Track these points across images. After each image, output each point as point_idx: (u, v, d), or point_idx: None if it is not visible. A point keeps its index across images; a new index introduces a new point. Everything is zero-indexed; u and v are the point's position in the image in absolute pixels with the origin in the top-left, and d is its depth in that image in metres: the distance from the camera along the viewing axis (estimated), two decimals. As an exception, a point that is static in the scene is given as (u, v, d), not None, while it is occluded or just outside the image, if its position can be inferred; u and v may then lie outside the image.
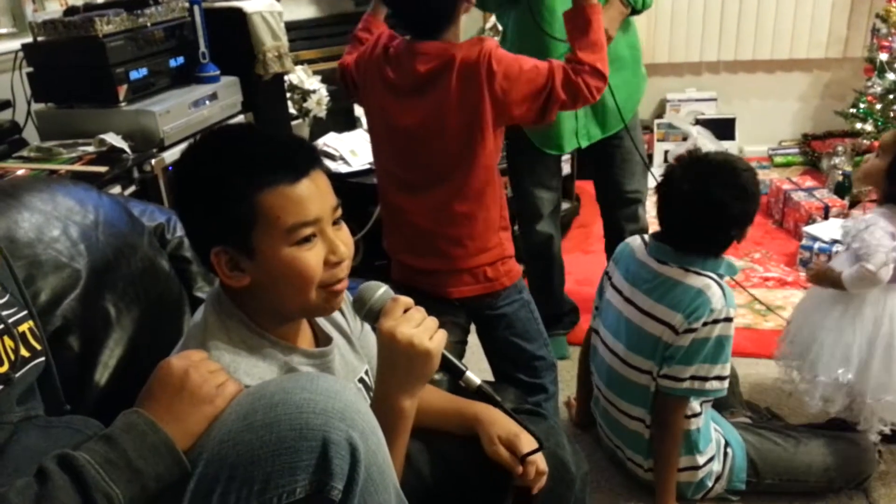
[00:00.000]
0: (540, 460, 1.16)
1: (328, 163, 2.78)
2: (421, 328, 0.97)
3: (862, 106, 3.50)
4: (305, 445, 0.78)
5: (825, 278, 1.81)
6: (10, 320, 0.96)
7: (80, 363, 1.17)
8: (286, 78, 2.64)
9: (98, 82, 1.92)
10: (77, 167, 1.74)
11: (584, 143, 2.23)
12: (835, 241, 2.82)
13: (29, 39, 1.98)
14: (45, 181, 1.40)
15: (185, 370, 0.86)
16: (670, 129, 3.90)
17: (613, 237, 2.31)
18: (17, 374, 0.93)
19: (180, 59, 2.16)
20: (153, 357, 0.92)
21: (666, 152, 3.92)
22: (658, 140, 3.93)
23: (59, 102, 2.03)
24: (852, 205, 3.18)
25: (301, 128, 2.91)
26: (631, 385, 1.74)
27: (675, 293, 1.63)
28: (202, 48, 2.17)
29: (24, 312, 1.00)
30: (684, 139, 3.72)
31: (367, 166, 2.77)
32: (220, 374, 0.88)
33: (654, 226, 1.77)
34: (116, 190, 1.72)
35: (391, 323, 0.96)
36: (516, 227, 2.34)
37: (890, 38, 3.39)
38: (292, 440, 0.78)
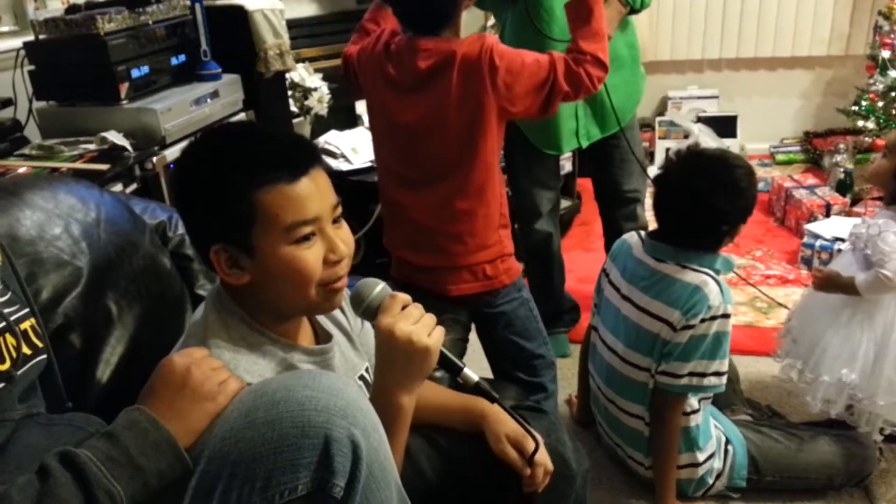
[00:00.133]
0: (547, 461, 1.16)
1: (329, 161, 2.78)
2: (419, 325, 0.97)
3: (864, 103, 3.49)
4: (307, 443, 0.78)
5: (833, 284, 1.80)
6: (12, 318, 0.96)
7: (82, 361, 1.17)
8: (287, 76, 2.64)
9: (100, 80, 1.92)
10: (78, 165, 1.74)
11: (585, 144, 2.23)
12: (836, 239, 2.82)
13: (30, 37, 1.98)
14: (47, 179, 1.40)
15: (187, 367, 0.86)
16: (672, 126, 3.90)
17: (612, 236, 2.30)
18: (19, 372, 0.94)
19: (182, 57, 2.16)
20: (155, 355, 0.93)
21: (667, 150, 3.91)
22: (660, 138, 3.93)
23: (60, 100, 2.03)
24: (854, 202, 3.18)
25: (302, 126, 2.91)
26: (630, 382, 1.74)
27: (672, 290, 1.63)
28: (203, 46, 2.18)
29: (26, 310, 1.00)
30: (686, 137, 3.71)
31: (369, 164, 2.77)
32: (222, 372, 0.89)
33: (652, 224, 1.77)
34: (118, 188, 1.72)
35: (389, 320, 0.97)
36: (516, 226, 2.34)
37: (892, 36, 3.39)
38: (294, 437, 0.78)
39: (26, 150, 1.85)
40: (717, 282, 1.62)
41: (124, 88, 1.93)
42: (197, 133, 1.27)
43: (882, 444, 1.84)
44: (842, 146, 3.53)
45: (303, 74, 2.89)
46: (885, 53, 3.38)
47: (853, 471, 1.78)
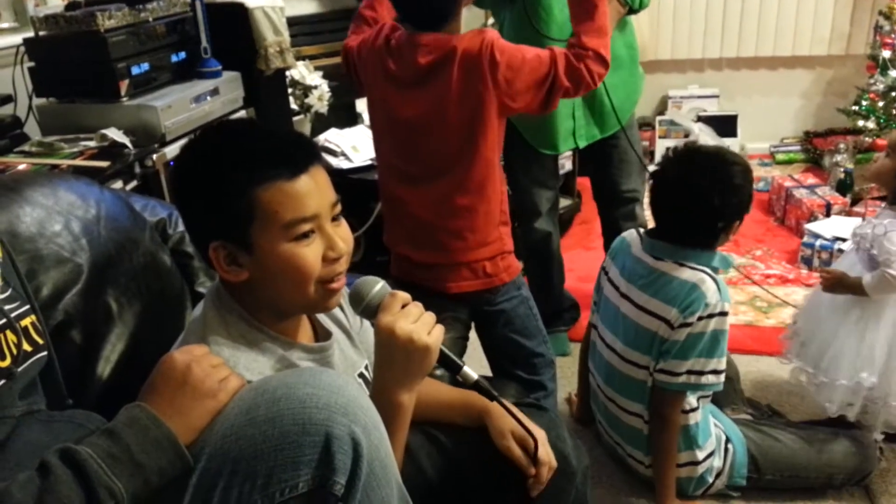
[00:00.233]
0: (551, 459, 1.16)
1: (329, 159, 2.77)
2: (419, 323, 0.97)
3: (864, 103, 3.49)
4: (308, 440, 0.78)
5: (841, 285, 1.79)
6: (13, 315, 0.96)
7: (82, 358, 1.17)
8: (288, 73, 2.63)
9: (100, 77, 1.91)
10: (79, 162, 1.74)
11: (583, 144, 2.23)
12: (836, 239, 2.82)
13: (30, 34, 1.98)
14: (47, 176, 1.40)
15: (188, 365, 0.86)
16: (672, 125, 3.90)
17: (611, 236, 2.30)
18: (20, 369, 0.94)
19: (182, 54, 2.15)
20: (155, 352, 0.93)
21: (667, 149, 3.91)
22: (660, 137, 3.93)
23: (60, 97, 2.03)
24: (854, 202, 3.18)
25: (302, 123, 2.91)
26: (629, 381, 1.74)
27: (669, 288, 1.63)
28: (204, 43, 2.17)
29: (27, 307, 1.00)
30: (686, 136, 3.72)
31: (369, 162, 2.76)
32: (223, 369, 0.88)
33: (651, 223, 1.77)
34: (118, 185, 1.72)
35: (390, 318, 0.97)
36: (516, 225, 2.34)
37: (893, 35, 3.39)
38: (295, 435, 0.78)
39: (26, 147, 1.85)
40: (715, 280, 1.62)
41: (124, 85, 1.93)
42: (197, 130, 1.27)
43: (882, 443, 1.85)
44: (842, 146, 3.53)
45: (303, 72, 2.88)
46: (886, 53, 3.38)
47: (853, 470, 1.78)
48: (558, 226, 2.45)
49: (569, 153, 3.11)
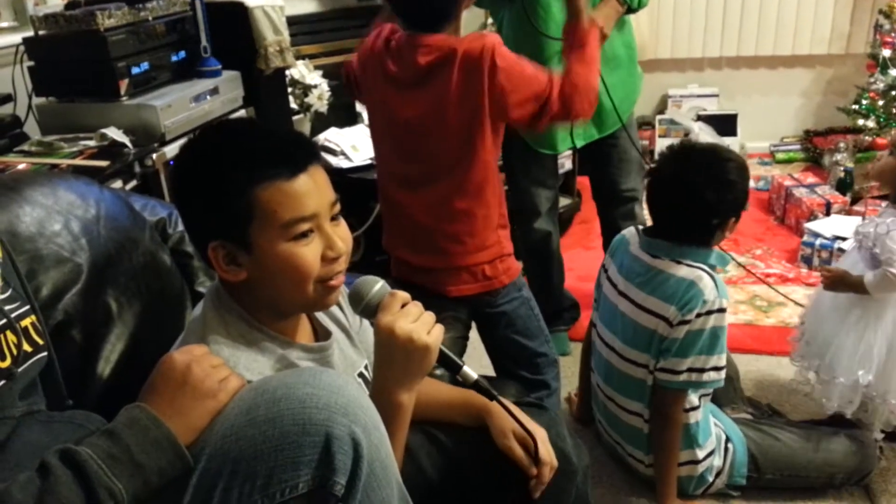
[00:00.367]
0: (552, 458, 1.16)
1: (329, 158, 2.77)
2: (419, 323, 0.97)
3: (864, 102, 3.49)
4: (308, 440, 0.78)
5: (843, 283, 1.79)
6: (13, 315, 0.95)
7: (82, 358, 1.17)
8: (287, 73, 2.63)
9: (99, 76, 1.91)
10: (78, 161, 1.74)
11: (580, 143, 2.23)
12: (836, 238, 2.82)
13: (30, 33, 1.98)
14: (47, 175, 1.40)
15: (188, 365, 0.86)
16: (672, 125, 3.90)
17: (611, 236, 2.30)
18: (20, 369, 0.93)
19: (182, 54, 2.15)
20: (155, 352, 0.92)
21: (665, 148, 3.92)
22: (660, 136, 3.93)
23: (60, 96, 2.03)
24: (854, 201, 3.18)
25: (302, 123, 2.90)
26: (628, 379, 1.74)
27: (667, 286, 1.64)
28: (203, 42, 2.17)
29: (27, 307, 0.99)
30: (686, 135, 3.71)
31: (369, 162, 2.76)
32: (223, 369, 0.88)
33: (650, 222, 1.78)
34: (118, 184, 1.72)
35: (389, 318, 0.96)
36: (514, 227, 2.34)
37: (893, 35, 3.39)
38: (295, 435, 0.78)
39: (26, 147, 1.85)
40: (712, 276, 1.62)
41: (124, 85, 1.93)
42: (196, 130, 1.27)
43: (882, 443, 1.85)
44: (842, 145, 3.53)
45: (303, 71, 2.88)
46: (886, 52, 3.38)
47: (853, 469, 1.78)
48: (558, 225, 2.44)
49: (568, 152, 3.11)
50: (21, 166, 1.71)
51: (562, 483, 1.21)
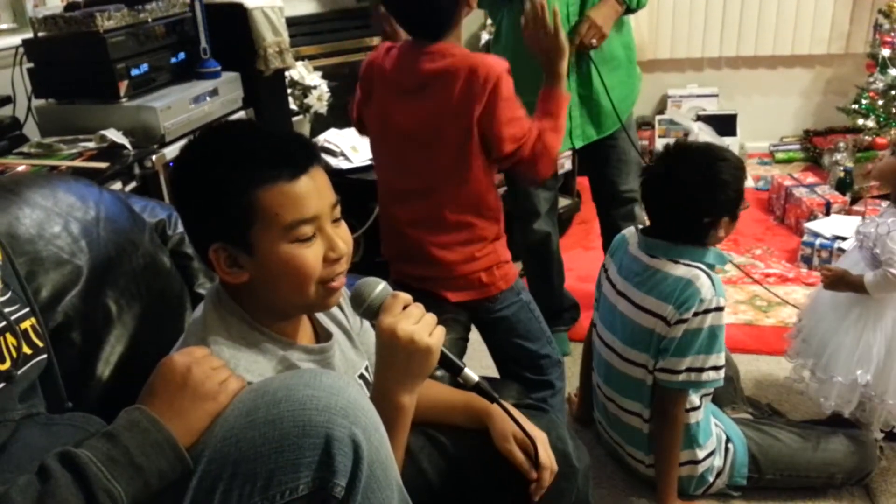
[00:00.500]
0: (552, 462, 1.16)
1: (329, 159, 2.77)
2: (421, 324, 0.97)
3: (864, 102, 3.49)
4: (308, 442, 0.78)
5: (843, 283, 1.79)
6: (13, 317, 0.95)
7: (82, 360, 1.17)
8: (287, 74, 2.63)
9: (99, 78, 1.91)
10: (78, 163, 1.74)
11: (579, 144, 2.22)
12: (836, 238, 2.82)
13: (29, 35, 1.98)
14: (46, 177, 1.40)
15: (188, 367, 0.86)
16: (672, 125, 3.89)
17: (610, 237, 2.30)
18: (20, 372, 0.93)
19: (181, 55, 2.15)
20: (155, 354, 0.92)
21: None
22: (659, 136, 3.92)
23: (59, 98, 2.03)
24: (854, 201, 3.18)
25: (302, 124, 2.91)
26: (627, 379, 1.74)
27: (664, 285, 1.64)
28: (203, 44, 2.17)
29: (27, 309, 0.99)
30: (686, 135, 3.71)
31: (368, 163, 2.76)
32: (223, 371, 0.88)
33: (649, 222, 1.78)
34: (117, 186, 1.72)
35: (391, 319, 0.96)
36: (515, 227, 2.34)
37: (892, 34, 3.39)
38: (295, 437, 0.78)
39: (25, 149, 1.85)
40: (709, 275, 1.62)
41: (123, 86, 1.93)
42: (196, 131, 1.27)
43: (882, 443, 1.85)
44: (842, 144, 3.53)
45: (302, 72, 2.88)
46: (886, 52, 3.38)
47: (854, 469, 1.78)
48: (557, 226, 2.44)
49: (568, 153, 3.11)
50: (20, 168, 1.71)
51: (562, 484, 1.21)
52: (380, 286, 1.01)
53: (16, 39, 2.02)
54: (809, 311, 1.97)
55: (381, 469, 0.83)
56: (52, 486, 0.74)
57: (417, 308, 0.99)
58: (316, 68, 2.99)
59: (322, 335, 1.10)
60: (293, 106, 2.81)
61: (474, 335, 1.75)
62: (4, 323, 0.93)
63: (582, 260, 2.96)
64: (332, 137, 2.89)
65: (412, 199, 1.61)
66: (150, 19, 2.07)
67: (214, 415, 0.84)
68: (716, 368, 1.63)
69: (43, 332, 1.01)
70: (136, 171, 1.80)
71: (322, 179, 0.97)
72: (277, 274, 0.95)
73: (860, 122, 3.49)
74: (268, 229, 0.93)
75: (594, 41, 2.04)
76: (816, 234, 2.88)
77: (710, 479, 1.76)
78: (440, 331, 0.98)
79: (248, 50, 2.26)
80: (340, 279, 1.00)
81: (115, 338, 1.21)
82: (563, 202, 3.09)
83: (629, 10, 2.10)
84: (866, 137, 3.44)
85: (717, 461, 1.75)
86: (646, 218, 2.30)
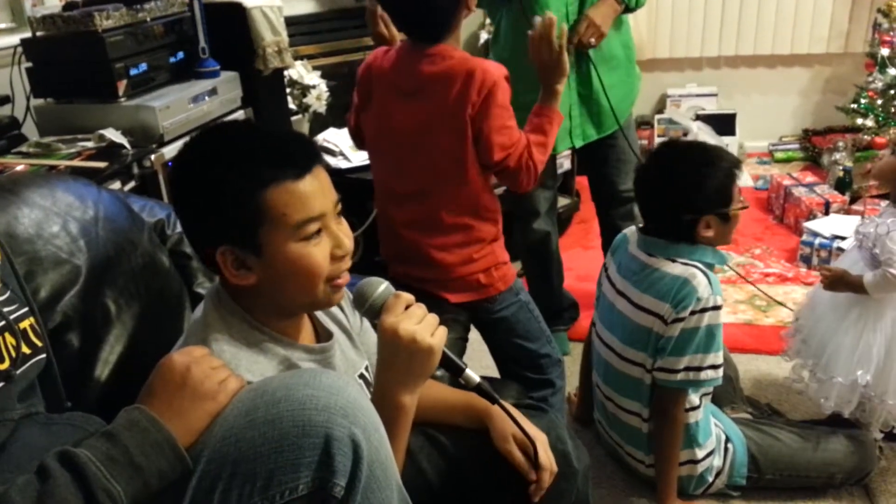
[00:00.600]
0: (552, 463, 1.16)
1: (328, 158, 2.77)
2: (423, 324, 0.97)
3: (863, 101, 3.49)
4: (308, 442, 0.78)
5: (843, 283, 1.79)
6: (12, 317, 0.95)
7: (81, 360, 1.17)
8: (286, 73, 2.63)
9: (97, 77, 1.91)
10: (76, 163, 1.73)
11: (579, 143, 2.22)
12: (835, 237, 2.82)
13: (28, 34, 1.97)
14: (45, 177, 1.40)
15: (187, 366, 0.86)
16: (671, 124, 3.90)
17: (610, 236, 2.30)
18: (19, 371, 0.93)
19: (180, 55, 2.15)
20: (154, 353, 0.92)
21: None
22: (659, 136, 3.92)
23: (58, 98, 2.03)
24: (853, 200, 3.18)
25: (301, 123, 2.90)
26: (626, 379, 1.74)
27: (661, 284, 1.64)
28: (202, 43, 2.17)
29: (25, 309, 0.99)
30: (685, 135, 3.71)
31: (367, 162, 2.75)
32: (222, 371, 0.88)
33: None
34: (116, 185, 1.72)
35: (393, 319, 0.96)
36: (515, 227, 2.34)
37: (891, 33, 3.39)
38: (295, 437, 0.78)
39: (24, 148, 1.85)
40: (706, 274, 1.62)
41: (122, 86, 1.92)
42: (195, 131, 1.26)
43: (882, 443, 1.85)
44: (841, 144, 3.53)
45: (301, 72, 2.88)
46: (885, 51, 3.38)
47: (853, 469, 1.78)
48: (557, 225, 2.44)
49: (567, 152, 3.11)
50: (19, 168, 1.71)
51: (562, 484, 1.21)
52: (382, 286, 1.01)
53: (14, 39, 2.02)
54: (808, 310, 1.97)
55: (381, 469, 0.83)
56: (52, 486, 0.74)
57: (420, 308, 0.99)
58: (315, 68, 2.98)
59: (322, 335, 1.10)
60: (292, 105, 2.81)
61: (474, 335, 1.75)
62: (3, 322, 0.93)
63: (581, 259, 2.96)
64: (331, 137, 2.89)
65: (409, 201, 1.61)
66: (148, 19, 2.07)
67: (214, 414, 0.84)
68: (714, 367, 1.63)
69: (42, 331, 1.01)
70: (135, 170, 1.80)
71: (325, 178, 0.97)
72: (286, 273, 0.95)
73: (859, 121, 3.49)
74: (277, 229, 0.93)
75: (593, 40, 2.04)
76: (816, 234, 2.88)
77: (710, 479, 1.76)
78: (442, 331, 0.98)
79: (246, 49, 2.26)
80: (345, 276, 1.00)
81: (115, 337, 1.21)
82: (563, 202, 3.09)
83: (628, 10, 2.10)
84: (865, 137, 3.44)
85: (717, 461, 1.75)
86: (641, 216, 2.31)
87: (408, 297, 1.00)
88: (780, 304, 2.56)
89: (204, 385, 0.85)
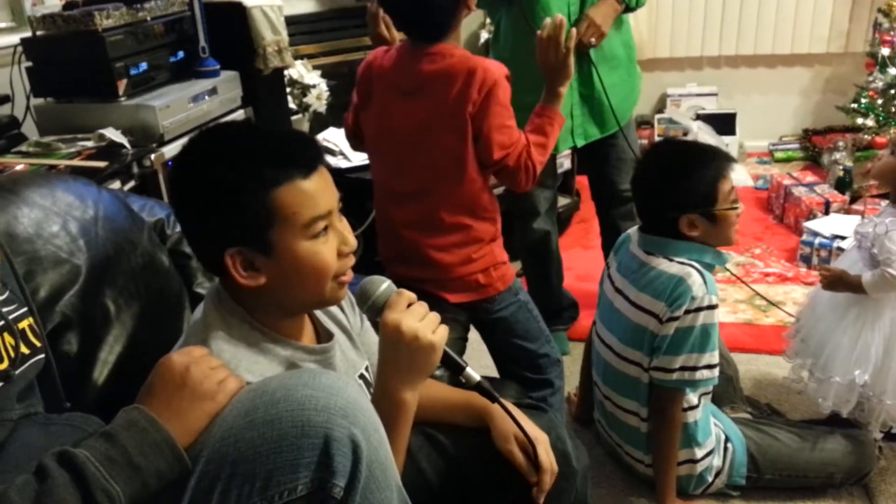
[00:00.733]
0: (553, 464, 1.16)
1: (328, 158, 2.77)
2: (425, 322, 0.97)
3: (863, 101, 3.49)
4: (307, 442, 0.78)
5: (842, 283, 1.79)
6: (11, 317, 0.95)
7: (80, 360, 1.16)
8: (286, 73, 2.63)
9: (97, 77, 1.91)
10: (76, 162, 1.73)
11: (581, 143, 2.22)
12: (835, 237, 2.82)
13: (28, 34, 1.97)
14: (45, 176, 1.40)
15: (187, 366, 0.86)
16: (671, 124, 3.89)
17: (610, 236, 2.30)
18: (18, 371, 0.93)
19: (180, 54, 2.15)
20: (153, 353, 0.92)
21: (659, 146, 3.92)
22: (659, 135, 3.92)
23: (58, 97, 2.03)
24: (853, 200, 3.18)
25: (301, 123, 2.90)
26: (624, 378, 1.75)
27: (658, 282, 1.64)
28: (202, 42, 2.17)
29: (24, 309, 0.99)
30: (685, 134, 3.71)
31: (367, 162, 2.75)
32: (222, 371, 0.88)
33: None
34: (116, 185, 1.71)
35: (396, 316, 0.97)
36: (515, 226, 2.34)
37: (892, 33, 3.39)
38: (294, 437, 0.78)
39: (24, 148, 1.85)
40: (702, 273, 1.62)
41: (122, 85, 1.92)
42: (195, 130, 1.26)
43: (881, 442, 1.85)
44: (841, 144, 3.53)
45: (301, 71, 2.88)
46: (885, 51, 3.38)
47: (853, 469, 1.78)
48: (557, 225, 2.44)
49: (567, 151, 3.11)
50: (19, 167, 1.71)
51: (561, 484, 1.21)
52: (384, 284, 1.02)
53: (14, 38, 2.01)
54: (808, 310, 1.97)
55: (381, 469, 0.83)
56: (50, 486, 0.74)
57: (422, 306, 1.00)
58: (315, 67, 2.98)
59: (323, 335, 1.10)
60: (292, 105, 2.81)
61: (473, 335, 1.75)
62: (2, 322, 0.93)
63: (581, 259, 2.96)
64: (331, 136, 2.89)
65: (409, 200, 1.61)
66: (148, 18, 2.07)
67: (213, 415, 0.84)
68: (709, 367, 1.63)
69: (41, 331, 1.01)
70: (135, 170, 1.80)
71: (328, 176, 0.98)
72: (296, 272, 0.95)
73: (859, 121, 3.49)
74: (288, 228, 0.93)
75: (593, 40, 2.03)
76: (815, 234, 2.88)
77: (709, 479, 1.76)
78: (443, 329, 0.99)
79: (246, 49, 2.26)
80: (350, 273, 1.01)
81: (114, 337, 1.21)
82: (563, 201, 3.09)
83: (628, 9, 2.09)
84: (865, 136, 3.44)
85: (716, 460, 1.75)
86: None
87: (410, 295, 1.00)
88: (776, 305, 2.55)
89: (203, 385, 0.85)
